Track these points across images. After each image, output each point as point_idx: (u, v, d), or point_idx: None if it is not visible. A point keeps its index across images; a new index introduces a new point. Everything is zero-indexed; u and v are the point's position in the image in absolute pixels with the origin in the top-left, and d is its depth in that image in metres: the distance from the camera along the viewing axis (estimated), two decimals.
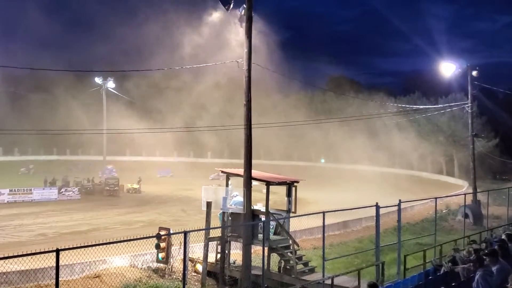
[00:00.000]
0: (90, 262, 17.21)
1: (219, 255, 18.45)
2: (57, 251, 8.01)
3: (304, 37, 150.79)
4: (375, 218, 16.31)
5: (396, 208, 16.60)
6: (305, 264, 17.60)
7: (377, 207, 15.97)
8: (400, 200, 16.45)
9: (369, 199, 33.99)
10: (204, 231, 17.86)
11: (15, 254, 8.61)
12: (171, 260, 18.06)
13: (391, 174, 72.32)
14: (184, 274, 11.67)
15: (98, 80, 54.83)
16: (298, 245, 17.99)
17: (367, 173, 70.91)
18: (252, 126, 17.10)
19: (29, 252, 8.91)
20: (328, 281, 14.28)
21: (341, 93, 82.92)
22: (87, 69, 56.50)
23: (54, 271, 15.34)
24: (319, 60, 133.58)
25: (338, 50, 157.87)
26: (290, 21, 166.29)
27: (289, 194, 18.21)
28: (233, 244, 18.68)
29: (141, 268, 18.13)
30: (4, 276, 15.50)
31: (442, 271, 13.09)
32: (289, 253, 17.31)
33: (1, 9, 72.48)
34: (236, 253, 19.10)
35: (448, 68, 36.25)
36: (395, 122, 70.64)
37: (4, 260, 8.16)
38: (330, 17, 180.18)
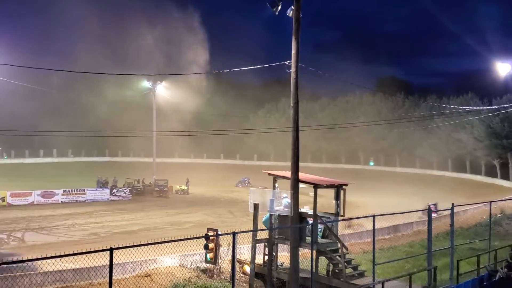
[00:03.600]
0: (141, 261, 17.55)
1: (266, 257, 18.46)
2: (111, 250, 8.19)
3: (352, 37, 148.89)
4: (427, 222, 15.94)
5: (448, 212, 16.18)
6: (355, 268, 17.38)
7: (429, 210, 15.64)
8: (453, 204, 16.01)
9: (421, 203, 33.35)
10: (251, 232, 17.95)
11: (69, 252, 8.85)
12: (219, 260, 18.21)
13: (443, 177, 70.63)
14: (233, 275, 11.72)
15: (148, 83, 55.95)
16: (347, 249, 17.77)
17: (419, 176, 69.64)
18: (300, 128, 17.03)
19: (82, 251, 9.13)
20: (379, 286, 14.06)
21: (391, 94, 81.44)
22: (139, 73, 57.79)
23: (106, 270, 15.83)
24: (368, 61, 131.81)
25: (387, 50, 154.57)
26: (338, 21, 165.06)
27: (337, 197, 18.02)
28: (280, 246, 18.66)
29: (190, 268, 18.35)
30: (59, 274, 15.98)
31: (497, 277, 12.68)
32: (337, 257, 17.14)
33: (51, 12, 75.22)
34: (283, 255, 19.07)
35: (503, 68, 35.14)
36: (447, 124, 68.91)
37: (59, 258, 8.40)
38: (380, 16, 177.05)
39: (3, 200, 40.05)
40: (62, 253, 8.77)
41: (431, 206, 39.96)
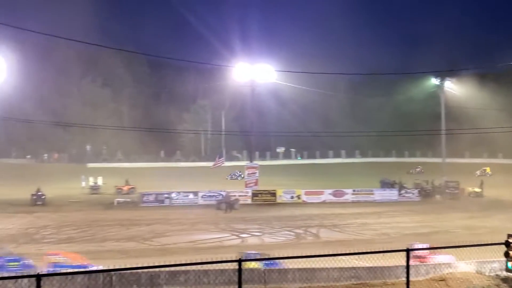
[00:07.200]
0: (435, 264, 16.94)
1: None
2: (407, 251, 8.08)
3: None
4: None
5: None
6: None
7: None
8: None
9: None
10: None
11: (361, 251, 8.97)
12: None
13: None
14: None
15: (435, 80, 54.22)
16: None
17: None
18: None
19: (376, 250, 9.19)
20: None
21: None
22: (424, 71, 56.58)
23: (398, 270, 15.71)
24: None
25: None
26: None
27: None
28: None
29: (488, 276, 16.96)
30: (353, 271, 16.49)
31: None
32: None
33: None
34: None
35: None
36: None
37: (353, 255, 8.64)
38: None
39: (299, 198, 43.71)
40: (354, 251, 8.97)
41: None
